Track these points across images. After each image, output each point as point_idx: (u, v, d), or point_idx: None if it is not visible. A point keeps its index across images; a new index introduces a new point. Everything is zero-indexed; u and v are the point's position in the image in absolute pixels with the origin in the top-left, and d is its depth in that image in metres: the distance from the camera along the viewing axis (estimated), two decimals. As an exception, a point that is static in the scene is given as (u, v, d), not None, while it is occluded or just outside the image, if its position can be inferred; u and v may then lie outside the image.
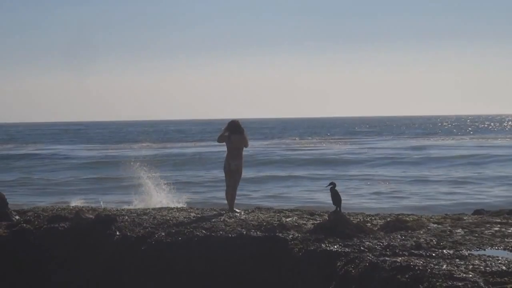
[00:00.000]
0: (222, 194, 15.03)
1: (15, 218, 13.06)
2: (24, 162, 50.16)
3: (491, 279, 7.62)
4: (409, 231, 10.77)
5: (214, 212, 13.34)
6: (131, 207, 16.01)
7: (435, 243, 9.80)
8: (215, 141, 14.37)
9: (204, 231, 11.27)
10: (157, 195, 17.66)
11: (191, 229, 11.40)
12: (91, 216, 12.43)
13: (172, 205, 15.88)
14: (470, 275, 7.66)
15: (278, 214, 13.06)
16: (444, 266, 8.07)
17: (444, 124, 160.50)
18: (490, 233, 10.60)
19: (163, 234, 11.42)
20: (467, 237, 10.27)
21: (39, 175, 39.89)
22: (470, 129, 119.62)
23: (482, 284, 7.41)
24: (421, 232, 10.77)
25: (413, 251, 9.17)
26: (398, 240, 10.08)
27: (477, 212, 13.94)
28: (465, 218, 12.53)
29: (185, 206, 15.98)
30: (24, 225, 12.36)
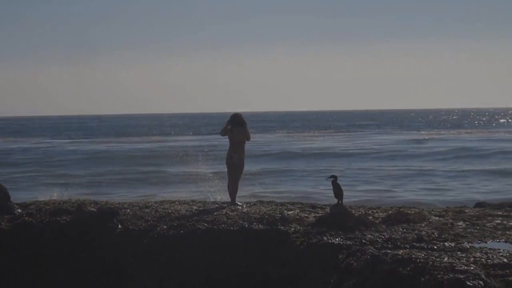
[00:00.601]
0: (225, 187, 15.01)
1: (17, 211, 13.07)
2: (27, 156, 50.21)
3: (493, 271, 7.63)
4: (411, 224, 10.78)
5: (216, 205, 13.35)
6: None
7: (436, 235, 9.81)
8: (219, 134, 14.38)
9: (206, 224, 11.29)
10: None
11: (193, 222, 11.42)
12: (93, 209, 12.46)
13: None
14: (472, 268, 7.67)
15: (280, 207, 13.06)
16: (446, 259, 8.08)
17: (449, 117, 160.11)
18: (491, 226, 10.60)
19: (165, 227, 11.44)
20: (469, 230, 10.28)
21: (42, 169, 39.94)
22: (481, 122, 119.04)
23: (483, 276, 7.42)
24: (423, 225, 10.78)
25: (414, 243, 9.18)
26: (400, 233, 10.09)
27: (478, 205, 13.93)
28: (466, 211, 12.53)
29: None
30: (26, 218, 12.39)
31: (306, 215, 12.04)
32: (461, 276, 7.39)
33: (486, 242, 9.40)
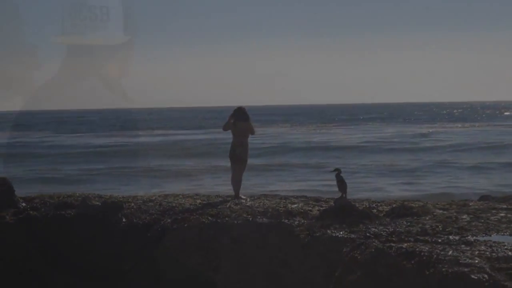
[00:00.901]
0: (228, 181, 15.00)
1: (22, 205, 13.09)
2: (34, 150, 50.28)
3: (497, 264, 7.63)
4: (415, 217, 10.78)
5: (220, 199, 13.36)
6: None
7: (440, 229, 9.80)
8: (221, 128, 14.33)
9: (210, 218, 11.30)
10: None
11: (197, 216, 11.42)
12: (97, 203, 12.48)
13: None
14: (476, 261, 7.66)
15: (284, 201, 13.06)
16: (450, 252, 8.07)
17: (453, 110, 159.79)
18: (496, 219, 10.58)
19: (169, 220, 11.45)
20: (473, 223, 10.27)
21: (46, 164, 40.01)
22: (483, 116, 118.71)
23: (488, 269, 7.41)
24: (427, 218, 10.77)
25: (418, 237, 9.17)
26: (404, 226, 10.09)
27: (483, 197, 13.92)
28: (471, 204, 12.51)
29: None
30: (31, 212, 12.41)
31: (310, 208, 12.04)
32: (466, 269, 7.39)
33: (490, 235, 9.39)
